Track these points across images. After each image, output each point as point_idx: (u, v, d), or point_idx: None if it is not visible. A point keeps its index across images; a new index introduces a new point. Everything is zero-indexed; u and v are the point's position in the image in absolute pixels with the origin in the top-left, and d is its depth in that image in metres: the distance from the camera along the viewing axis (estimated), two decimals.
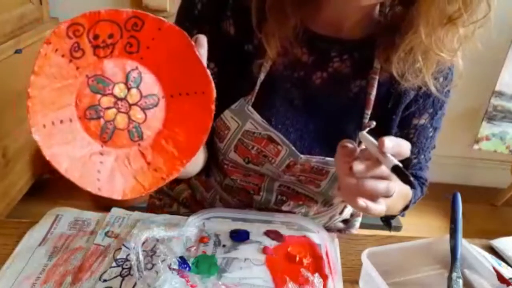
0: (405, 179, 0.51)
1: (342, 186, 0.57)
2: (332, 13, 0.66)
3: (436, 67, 0.66)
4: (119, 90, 0.47)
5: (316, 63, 0.69)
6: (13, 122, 1.70)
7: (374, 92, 0.69)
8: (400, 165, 0.51)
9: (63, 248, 0.65)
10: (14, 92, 1.69)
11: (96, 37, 0.45)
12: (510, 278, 0.62)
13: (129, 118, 0.48)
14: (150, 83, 0.48)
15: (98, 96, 0.46)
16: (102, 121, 0.47)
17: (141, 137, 0.49)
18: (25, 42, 1.70)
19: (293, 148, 0.70)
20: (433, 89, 0.68)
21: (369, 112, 0.70)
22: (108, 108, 0.47)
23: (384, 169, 0.54)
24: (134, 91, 0.48)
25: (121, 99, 0.47)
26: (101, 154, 0.47)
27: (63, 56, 0.44)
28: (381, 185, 0.54)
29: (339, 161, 0.58)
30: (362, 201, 0.54)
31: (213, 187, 0.84)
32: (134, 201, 0.68)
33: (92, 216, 0.73)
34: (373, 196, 0.55)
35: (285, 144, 0.70)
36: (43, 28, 1.86)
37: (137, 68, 0.48)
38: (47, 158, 0.44)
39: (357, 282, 0.65)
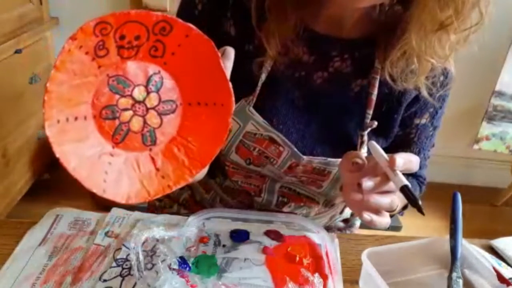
0: (412, 202, 0.52)
1: (349, 199, 0.59)
2: (332, 12, 0.66)
3: (430, 72, 0.66)
4: (138, 92, 0.46)
5: (317, 63, 0.69)
6: (13, 122, 1.70)
7: (375, 92, 0.69)
8: (409, 185, 0.53)
9: (63, 248, 0.65)
10: (14, 92, 1.70)
11: (122, 37, 0.44)
12: (510, 278, 0.62)
13: (145, 121, 0.47)
14: (170, 89, 0.48)
15: (117, 96, 0.46)
16: (117, 122, 0.46)
17: (154, 142, 0.48)
18: (25, 42, 1.70)
19: (295, 149, 0.70)
20: (425, 93, 0.69)
21: (370, 111, 0.70)
22: (125, 109, 0.46)
23: (391, 185, 0.56)
24: (153, 95, 0.47)
25: (139, 102, 0.46)
26: (111, 155, 0.47)
27: (86, 53, 0.43)
28: (384, 201, 0.56)
29: (347, 175, 0.59)
30: (367, 215, 0.56)
31: (213, 188, 0.84)
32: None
33: (92, 216, 0.73)
34: (377, 210, 0.57)
35: (286, 145, 0.69)
36: (43, 28, 1.86)
37: (159, 72, 0.47)
38: (57, 155, 0.43)
39: (357, 282, 0.65)
